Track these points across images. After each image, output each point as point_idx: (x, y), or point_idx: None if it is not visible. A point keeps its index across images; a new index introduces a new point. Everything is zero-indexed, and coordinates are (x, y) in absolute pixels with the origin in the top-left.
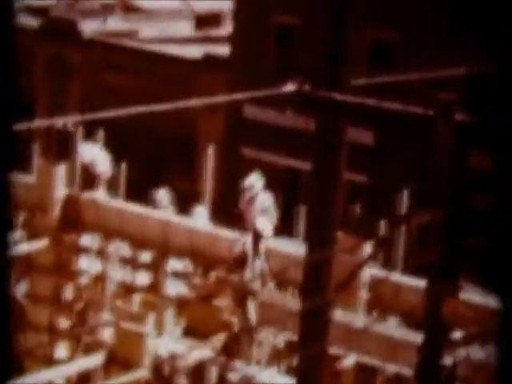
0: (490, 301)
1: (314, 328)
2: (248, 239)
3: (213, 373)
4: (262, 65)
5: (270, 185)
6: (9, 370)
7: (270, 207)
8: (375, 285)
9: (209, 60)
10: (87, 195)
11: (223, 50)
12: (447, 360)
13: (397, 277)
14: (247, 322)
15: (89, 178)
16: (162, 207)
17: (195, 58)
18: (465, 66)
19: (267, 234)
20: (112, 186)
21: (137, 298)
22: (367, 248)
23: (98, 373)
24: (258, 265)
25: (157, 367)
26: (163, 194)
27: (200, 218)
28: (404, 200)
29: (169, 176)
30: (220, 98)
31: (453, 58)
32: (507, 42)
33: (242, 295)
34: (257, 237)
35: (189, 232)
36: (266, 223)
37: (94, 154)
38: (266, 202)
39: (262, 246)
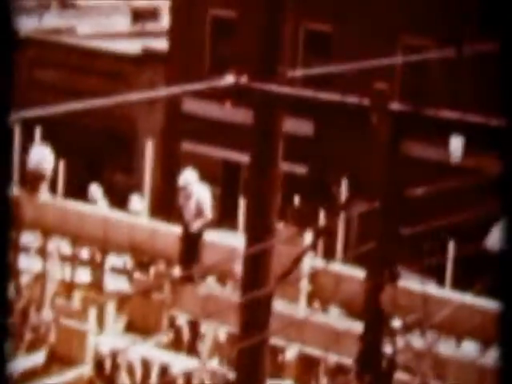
0: (428, 288)
1: (255, 320)
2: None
3: (155, 367)
4: (200, 58)
5: (209, 178)
6: None
7: (206, 201)
8: (315, 275)
9: (147, 54)
10: (31, 195)
11: (161, 44)
12: (388, 348)
13: (337, 267)
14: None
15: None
16: (95, 201)
17: (133, 52)
18: (400, 55)
19: None
20: (51, 184)
21: (77, 295)
22: (307, 238)
23: (39, 371)
24: None
25: (99, 364)
26: (95, 189)
27: (136, 206)
28: (343, 190)
29: (108, 171)
30: (157, 93)
31: (389, 48)
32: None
33: None
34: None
35: (128, 228)
36: None
37: (42, 154)
38: (201, 196)
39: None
